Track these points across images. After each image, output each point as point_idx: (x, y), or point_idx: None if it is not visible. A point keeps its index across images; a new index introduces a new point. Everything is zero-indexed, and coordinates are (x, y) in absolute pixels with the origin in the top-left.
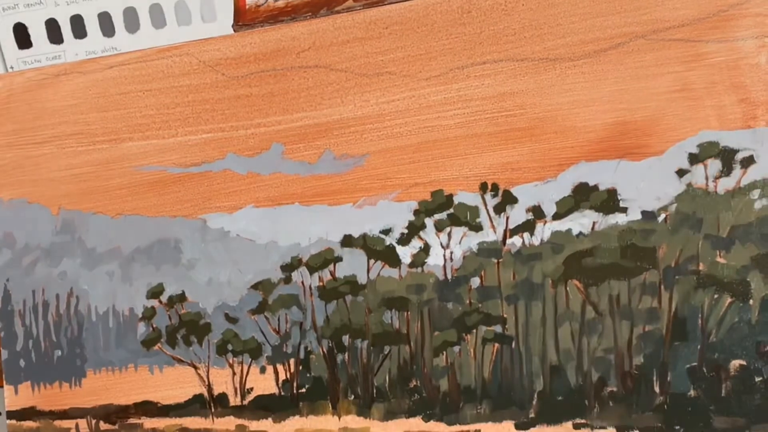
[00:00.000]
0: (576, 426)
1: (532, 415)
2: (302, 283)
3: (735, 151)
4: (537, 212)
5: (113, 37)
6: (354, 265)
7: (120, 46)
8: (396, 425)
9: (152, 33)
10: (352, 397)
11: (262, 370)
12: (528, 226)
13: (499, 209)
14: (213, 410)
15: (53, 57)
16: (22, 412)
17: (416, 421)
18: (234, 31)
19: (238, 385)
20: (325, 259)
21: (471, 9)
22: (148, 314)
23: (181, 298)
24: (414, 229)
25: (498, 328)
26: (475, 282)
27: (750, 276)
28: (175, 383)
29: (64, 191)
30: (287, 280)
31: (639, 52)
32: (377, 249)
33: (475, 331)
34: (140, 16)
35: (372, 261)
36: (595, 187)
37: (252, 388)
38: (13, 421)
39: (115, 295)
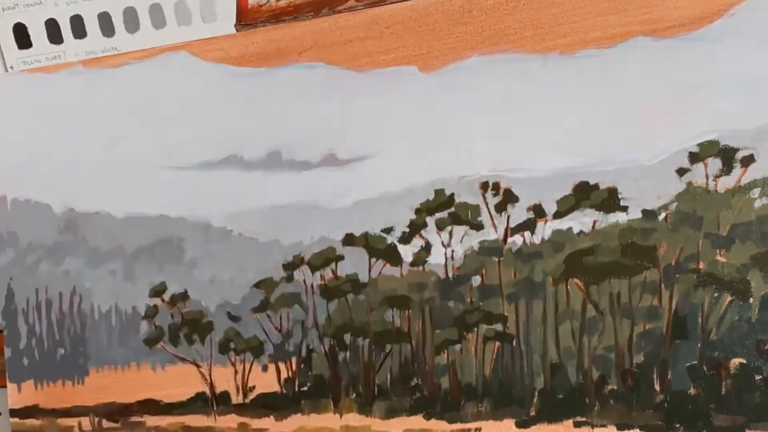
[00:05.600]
0: (576, 424)
1: (532, 413)
2: (304, 281)
3: (735, 150)
4: (538, 211)
5: (113, 37)
6: (356, 263)
7: (120, 46)
8: (397, 423)
9: (152, 33)
10: (354, 395)
11: (264, 368)
12: (529, 225)
13: (500, 208)
14: (215, 408)
15: (53, 57)
16: (25, 410)
17: (417, 419)
18: (236, 30)
19: (240, 384)
20: (326, 258)
21: (472, 8)
22: (151, 313)
23: (184, 296)
24: (415, 227)
25: (499, 327)
26: (476, 280)
27: (750, 274)
28: (177, 381)
29: (68, 190)
30: (289, 278)
31: (639, 51)
32: (379, 248)
33: (476, 329)
34: (140, 16)
35: (373, 260)
36: (596, 186)
37: (254, 387)
38: (17, 419)
39: (118, 294)
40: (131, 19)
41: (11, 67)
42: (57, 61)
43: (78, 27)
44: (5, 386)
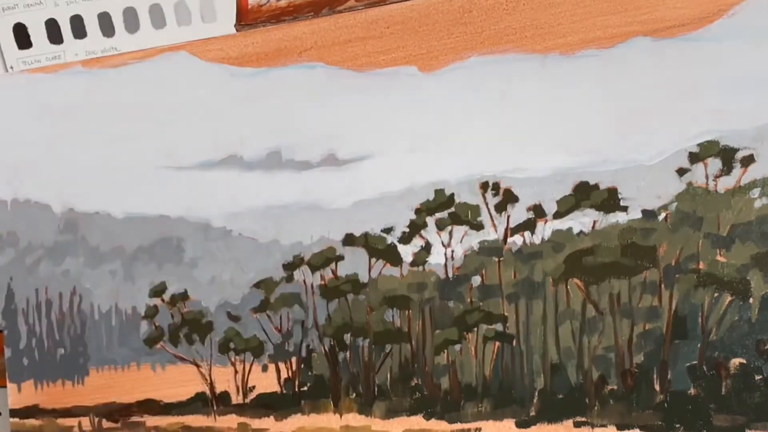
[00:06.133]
0: (576, 424)
1: (532, 413)
2: (304, 281)
3: (735, 150)
4: (538, 211)
5: (113, 37)
6: (355, 263)
7: (120, 46)
8: (397, 423)
9: (152, 33)
10: (354, 395)
11: (264, 368)
12: (529, 225)
13: (500, 208)
14: (215, 408)
15: (53, 57)
16: (25, 410)
17: (417, 420)
18: (236, 30)
19: (240, 384)
20: (326, 258)
21: (472, 8)
22: (151, 313)
23: (184, 296)
24: (415, 227)
25: (499, 327)
26: (476, 281)
27: (750, 274)
28: (177, 381)
29: (68, 190)
30: (289, 278)
31: (639, 51)
32: (379, 248)
33: (476, 329)
34: (140, 16)
35: (373, 260)
36: (596, 186)
37: (254, 387)
38: (17, 420)
39: (118, 294)
40: (131, 19)
41: (11, 67)
42: (57, 61)
43: (78, 27)
44: (5, 386)
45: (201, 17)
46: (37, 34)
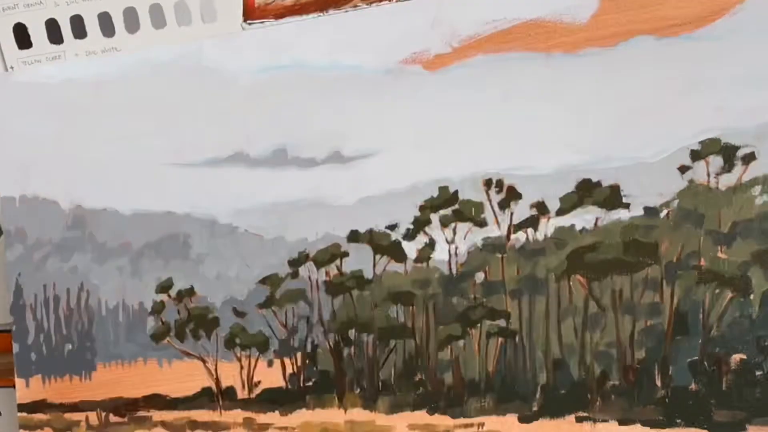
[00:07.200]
0: (579, 419)
1: (535, 408)
2: (309, 277)
3: (736, 148)
4: (541, 208)
5: (113, 37)
6: (360, 260)
7: (120, 46)
8: (401, 418)
9: (152, 33)
10: (358, 390)
11: (270, 363)
12: (532, 222)
13: (504, 205)
14: (221, 403)
15: (53, 57)
16: (33, 405)
17: (421, 415)
18: (243, 29)
19: (245, 379)
20: (331, 254)
21: None
22: (158, 308)
23: (190, 292)
24: (419, 224)
25: (502, 323)
26: (480, 277)
27: (751, 271)
28: (183, 377)
29: (76, 187)
30: (294, 274)
31: (642, 49)
32: (383, 244)
33: (479, 325)
34: (140, 16)
35: (378, 256)
36: (599, 184)
37: (259, 382)
38: (24, 414)
39: (125, 290)
40: (131, 19)
41: (11, 68)
42: (57, 62)
43: (78, 27)
44: (8, 386)
45: (201, 17)
46: (37, 34)
